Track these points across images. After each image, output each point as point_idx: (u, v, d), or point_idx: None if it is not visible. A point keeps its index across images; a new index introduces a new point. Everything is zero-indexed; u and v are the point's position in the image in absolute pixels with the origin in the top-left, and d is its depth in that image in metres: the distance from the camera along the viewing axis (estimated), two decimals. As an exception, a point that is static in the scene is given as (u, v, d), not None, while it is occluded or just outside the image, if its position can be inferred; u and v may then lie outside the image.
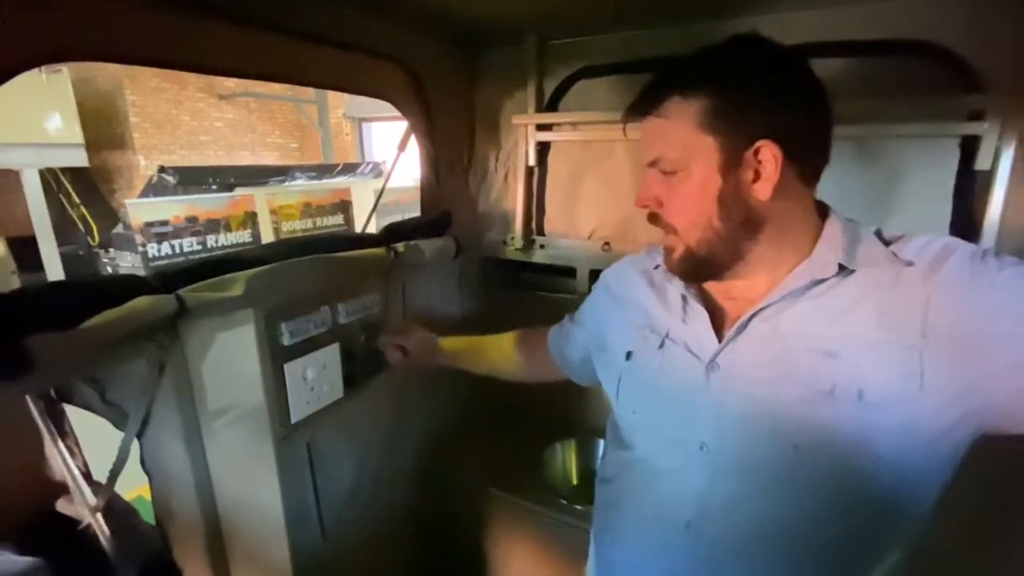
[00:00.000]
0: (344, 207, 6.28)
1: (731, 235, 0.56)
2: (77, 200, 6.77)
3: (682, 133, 0.55)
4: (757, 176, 0.54)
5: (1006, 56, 0.83)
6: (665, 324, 0.65)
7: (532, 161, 1.26)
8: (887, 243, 0.56)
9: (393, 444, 1.18)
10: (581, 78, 1.19)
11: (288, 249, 0.93)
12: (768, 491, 0.56)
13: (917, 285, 0.51)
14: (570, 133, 1.22)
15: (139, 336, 0.77)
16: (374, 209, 1.33)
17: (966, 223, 0.91)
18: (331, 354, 0.96)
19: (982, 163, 0.86)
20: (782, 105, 0.53)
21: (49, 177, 6.36)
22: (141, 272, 1.17)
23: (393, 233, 1.14)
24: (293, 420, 0.90)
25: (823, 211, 0.60)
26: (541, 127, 1.24)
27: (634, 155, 1.15)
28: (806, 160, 0.55)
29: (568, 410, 1.38)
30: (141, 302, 0.66)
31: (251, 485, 0.92)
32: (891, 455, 0.51)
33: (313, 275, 0.92)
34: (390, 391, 1.15)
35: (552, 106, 1.23)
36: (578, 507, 1.12)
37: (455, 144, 1.31)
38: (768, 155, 0.52)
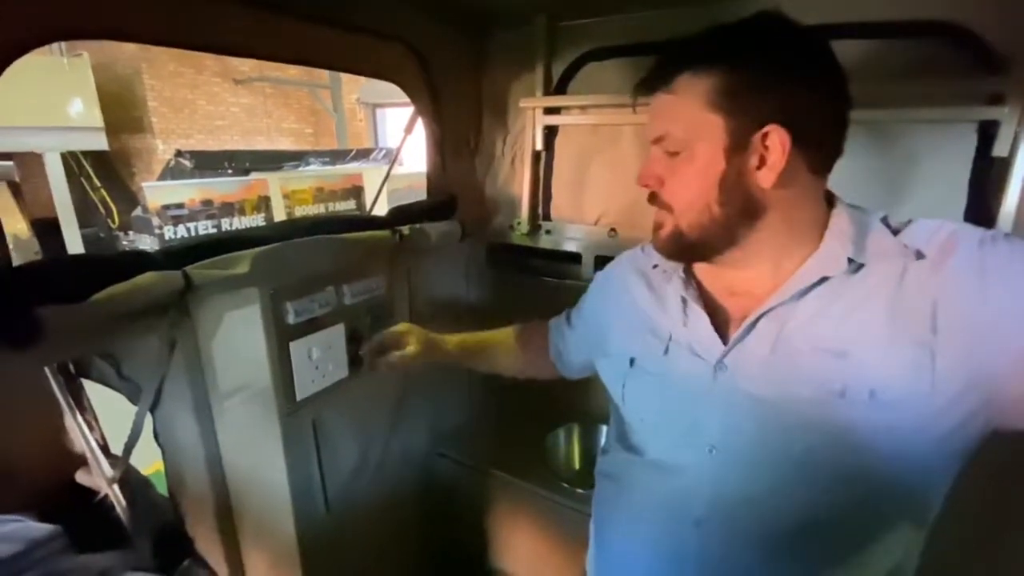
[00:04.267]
0: (356, 192, 6.32)
1: (727, 221, 0.54)
2: (98, 183, 6.89)
3: (690, 110, 0.53)
4: (762, 162, 0.52)
5: (1030, 37, 0.80)
6: (667, 328, 0.63)
7: (539, 145, 1.25)
8: (895, 231, 0.54)
9: (398, 424, 1.19)
10: (590, 61, 1.17)
11: (294, 229, 0.94)
12: (779, 491, 0.55)
13: (926, 279, 0.49)
14: (578, 117, 1.21)
15: (150, 312, 0.79)
16: (380, 191, 1.33)
17: (981, 211, 0.88)
18: (336, 334, 0.97)
19: (1000, 149, 0.83)
20: (797, 89, 0.51)
21: (71, 160, 6.48)
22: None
23: (399, 216, 1.15)
24: (298, 397, 0.92)
25: (829, 199, 0.58)
26: (549, 111, 1.22)
27: (642, 139, 1.13)
28: (816, 149, 0.53)
29: (572, 396, 1.38)
30: (147, 278, 0.68)
31: (258, 459, 0.95)
32: (903, 454, 0.50)
33: (319, 255, 0.93)
34: (396, 372, 1.17)
35: (560, 89, 1.22)
36: (579, 491, 1.13)
37: (462, 127, 1.31)
38: (776, 141, 0.50)
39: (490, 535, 1.29)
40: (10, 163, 5.81)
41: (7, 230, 4.63)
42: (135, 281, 0.66)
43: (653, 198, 0.60)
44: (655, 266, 0.68)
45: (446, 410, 1.37)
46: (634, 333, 0.67)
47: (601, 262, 1.22)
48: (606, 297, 0.78)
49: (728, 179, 0.53)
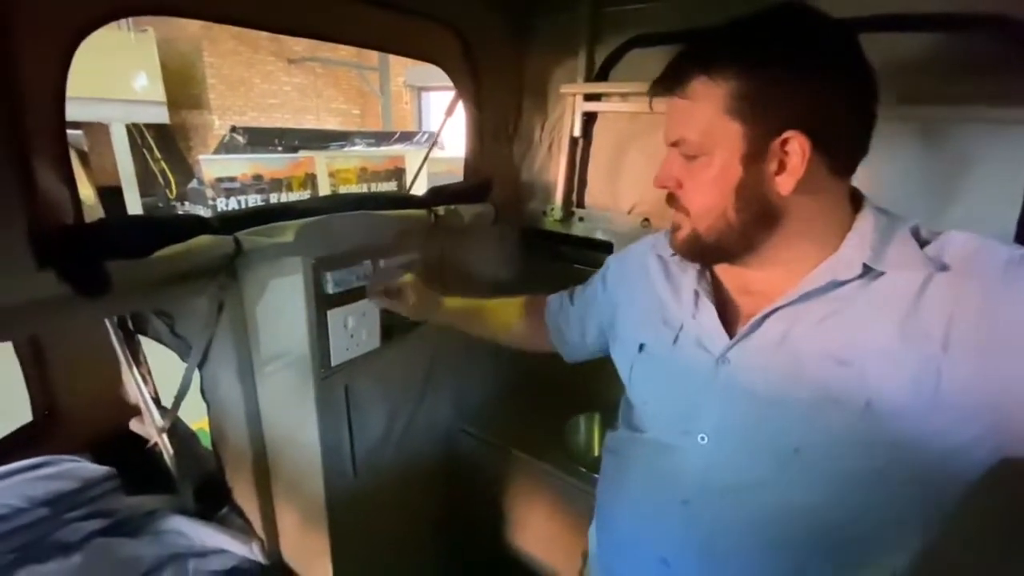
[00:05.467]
0: (398, 174, 6.44)
1: (744, 227, 0.53)
2: (158, 155, 7.26)
3: (707, 117, 0.51)
4: (781, 168, 0.50)
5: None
6: (678, 318, 0.64)
7: (577, 132, 1.25)
8: (923, 242, 0.51)
9: (425, 396, 1.24)
10: (634, 47, 1.16)
11: (337, 203, 0.99)
12: (764, 485, 0.55)
13: (945, 293, 0.47)
14: (618, 104, 1.20)
15: (202, 275, 0.85)
16: (418, 172, 1.37)
17: (1036, 220, 0.84)
18: (370, 306, 1.01)
19: (1061, 153, 0.79)
20: (819, 90, 0.48)
21: (134, 133, 6.84)
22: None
23: (435, 196, 1.18)
24: (333, 363, 0.97)
25: (857, 199, 0.56)
26: (589, 97, 1.22)
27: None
28: (839, 152, 0.51)
29: (595, 384, 1.38)
30: (203, 240, 0.74)
31: (294, 419, 1.00)
32: (897, 468, 0.49)
33: (358, 229, 0.97)
34: (426, 347, 1.20)
35: (602, 76, 1.21)
36: (596, 476, 1.14)
37: (501, 112, 1.32)
38: (796, 147, 0.48)
39: (507, 509, 1.32)
40: (79, 132, 6.19)
41: (76, 195, 4.94)
42: (192, 242, 0.72)
43: (671, 199, 0.59)
44: (674, 254, 0.68)
45: (471, 388, 1.40)
46: (647, 319, 0.68)
47: (632, 252, 1.22)
48: (624, 277, 0.78)
49: (745, 186, 0.52)
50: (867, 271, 0.51)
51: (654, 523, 0.64)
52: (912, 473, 0.49)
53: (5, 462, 1.08)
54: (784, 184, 0.50)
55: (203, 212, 5.54)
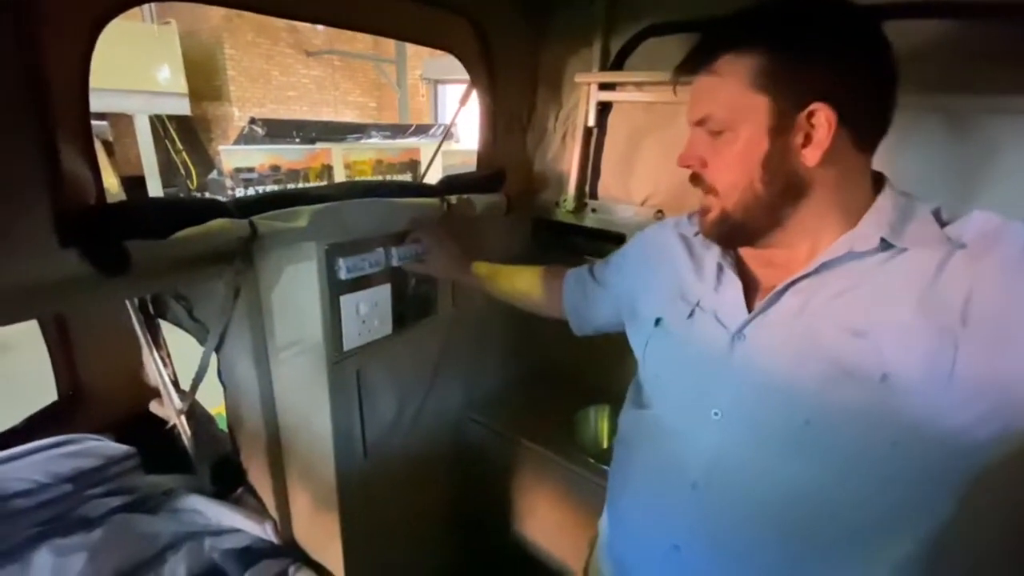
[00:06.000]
0: (413, 166, 6.47)
1: (772, 201, 0.54)
2: (180, 146, 7.39)
3: (733, 92, 0.52)
4: (807, 140, 0.51)
5: None
6: (697, 293, 0.64)
7: (591, 122, 1.24)
8: (944, 223, 0.52)
9: (436, 384, 1.25)
10: (650, 36, 1.15)
11: (350, 190, 0.99)
12: (776, 463, 0.55)
13: (964, 269, 0.48)
14: (634, 94, 1.19)
15: (219, 259, 0.87)
16: (431, 163, 1.37)
17: (1066, 211, 0.81)
18: (382, 293, 1.03)
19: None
20: (842, 66, 0.50)
21: (157, 124, 6.97)
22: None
23: (448, 185, 1.18)
24: (345, 348, 0.98)
25: (879, 182, 0.56)
26: (604, 86, 1.21)
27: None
28: (863, 126, 0.52)
29: (606, 376, 1.38)
30: (220, 223, 0.75)
31: (307, 403, 1.02)
32: (908, 442, 0.49)
33: (371, 216, 0.98)
34: (438, 336, 1.21)
35: (618, 65, 1.20)
36: (604, 467, 1.14)
37: (516, 101, 1.32)
38: (822, 119, 0.49)
39: (515, 499, 1.33)
40: (105, 123, 6.33)
41: (101, 185, 5.06)
42: (209, 225, 0.73)
43: (696, 179, 0.60)
44: (698, 233, 0.69)
45: (481, 377, 1.41)
46: (666, 295, 0.69)
47: (645, 244, 1.21)
48: (646, 258, 0.78)
49: (772, 159, 0.52)
50: (886, 247, 0.51)
51: (663, 509, 0.64)
52: (922, 449, 0.49)
53: (32, 439, 1.12)
54: (810, 156, 0.51)
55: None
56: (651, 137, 1.20)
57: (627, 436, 0.73)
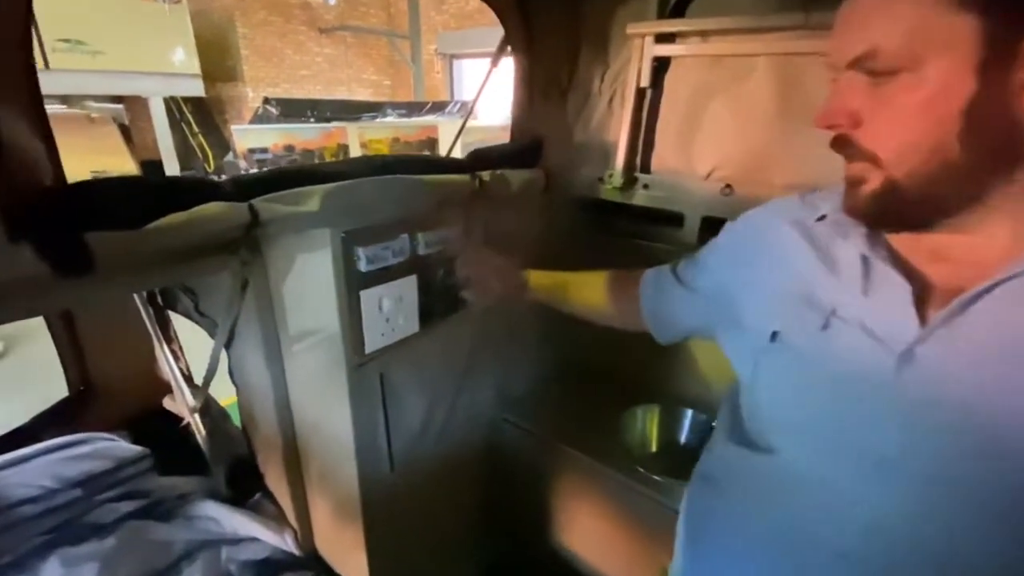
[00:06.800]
0: (431, 145, 6.37)
1: (972, 167, 0.39)
2: (196, 129, 7.35)
3: (919, 10, 0.38)
4: None
5: None
6: (831, 297, 0.49)
7: (645, 81, 1.06)
8: None
9: (467, 385, 1.14)
10: (720, -26, 0.97)
11: (369, 166, 0.86)
12: (971, 538, 0.41)
13: None
14: (697, 45, 1.01)
15: (220, 248, 0.74)
16: (455, 142, 1.21)
17: None
18: (408, 286, 0.90)
19: None
20: None
21: (172, 106, 6.93)
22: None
23: (478, 160, 1.03)
24: (367, 350, 0.87)
25: None
26: (661, 38, 1.03)
27: (781, 73, 0.92)
28: None
29: (655, 374, 1.25)
30: (212, 208, 0.61)
31: (325, 409, 0.92)
32: None
33: (393, 197, 0.85)
34: (468, 332, 1.10)
35: (678, 12, 1.02)
36: (656, 477, 1.01)
37: (555, 60, 1.15)
38: None
39: (554, 510, 1.22)
40: (120, 106, 6.30)
41: (118, 171, 5.04)
42: (198, 210, 0.60)
43: (842, 143, 0.44)
44: (821, 218, 0.53)
45: (515, 375, 1.30)
46: (781, 301, 0.53)
47: (709, 225, 1.04)
48: (744, 252, 0.62)
49: (979, 107, 0.38)
50: None
51: None
52: None
53: (42, 438, 1.06)
54: None
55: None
56: (719, 97, 1.01)
57: (720, 478, 0.58)
